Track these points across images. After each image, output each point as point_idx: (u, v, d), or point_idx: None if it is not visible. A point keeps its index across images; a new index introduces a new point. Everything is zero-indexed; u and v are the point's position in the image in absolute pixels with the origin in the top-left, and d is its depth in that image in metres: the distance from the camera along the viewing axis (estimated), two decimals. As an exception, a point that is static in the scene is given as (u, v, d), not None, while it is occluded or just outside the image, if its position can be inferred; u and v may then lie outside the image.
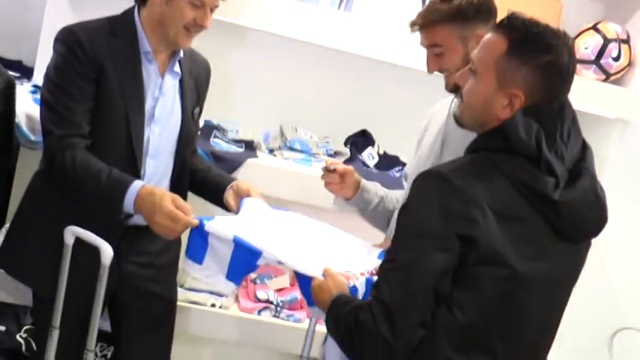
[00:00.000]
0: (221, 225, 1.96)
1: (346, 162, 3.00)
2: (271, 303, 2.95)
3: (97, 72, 2.14)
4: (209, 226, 1.94)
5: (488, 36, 1.67)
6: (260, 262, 1.92)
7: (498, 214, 1.54)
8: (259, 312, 2.94)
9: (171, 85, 2.26)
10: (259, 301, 2.95)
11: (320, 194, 2.83)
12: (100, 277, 2.08)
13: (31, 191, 2.32)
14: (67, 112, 2.12)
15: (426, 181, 1.60)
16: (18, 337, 2.77)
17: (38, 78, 2.87)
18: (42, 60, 2.87)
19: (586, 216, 1.64)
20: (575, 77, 2.95)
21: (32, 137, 2.61)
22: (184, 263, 1.98)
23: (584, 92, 3.00)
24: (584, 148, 1.69)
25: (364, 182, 2.30)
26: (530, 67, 1.60)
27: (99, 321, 2.17)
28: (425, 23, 2.08)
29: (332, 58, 2.99)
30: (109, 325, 2.46)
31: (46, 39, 2.84)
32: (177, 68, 2.27)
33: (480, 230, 1.52)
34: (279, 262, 1.92)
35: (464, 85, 1.70)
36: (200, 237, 1.95)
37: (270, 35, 2.84)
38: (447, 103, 2.23)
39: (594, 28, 3.06)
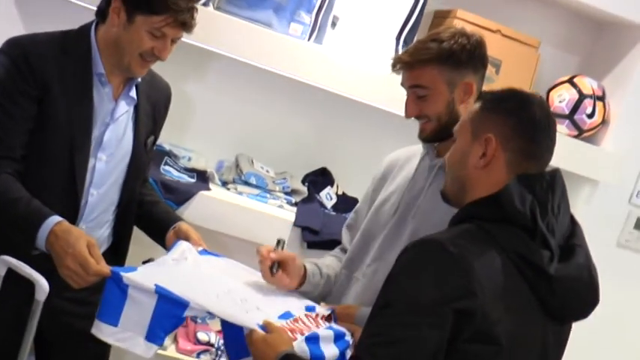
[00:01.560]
0: (142, 276, 1.75)
1: (303, 201, 2.85)
2: (212, 346, 2.76)
3: (41, 91, 1.96)
4: (127, 277, 1.72)
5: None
6: (187, 313, 1.73)
7: (494, 287, 1.48)
8: (198, 355, 2.75)
9: (124, 110, 2.09)
10: (199, 342, 2.76)
11: (273, 233, 2.68)
12: (33, 314, 1.87)
13: None
14: (1, 131, 1.94)
15: (421, 249, 1.51)
16: None
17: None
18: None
19: (579, 295, 1.58)
20: (548, 131, 2.92)
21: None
22: (93, 328, 1.73)
23: (556, 147, 2.90)
24: (574, 223, 1.65)
25: (309, 269, 2.08)
26: (500, 114, 1.62)
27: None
28: (412, 62, 1.94)
29: (297, 90, 2.84)
30: (34, 361, 2.25)
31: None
32: (132, 93, 2.10)
33: (477, 303, 1.44)
34: (209, 313, 1.74)
35: (447, 158, 1.71)
36: (117, 289, 1.72)
37: (233, 61, 2.67)
38: (414, 154, 2.10)
39: (570, 81, 2.98)
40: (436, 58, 1.92)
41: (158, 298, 1.71)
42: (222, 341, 2.75)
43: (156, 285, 1.71)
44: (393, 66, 2.00)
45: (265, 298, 1.92)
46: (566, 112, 2.95)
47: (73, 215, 2.02)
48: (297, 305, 1.92)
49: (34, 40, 2.02)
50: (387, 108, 2.71)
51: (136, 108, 2.12)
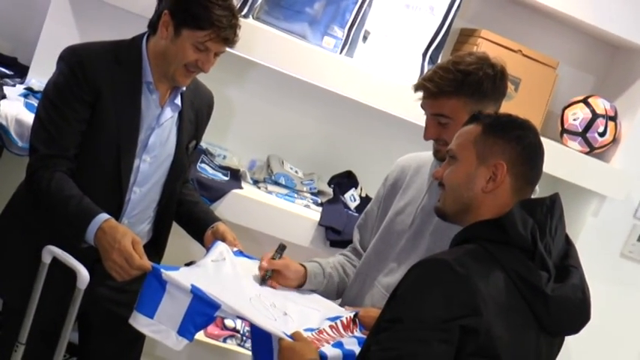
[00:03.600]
0: (180, 275, 1.90)
1: (328, 202, 3.04)
2: (238, 332, 2.96)
3: (94, 96, 2.13)
4: (166, 274, 1.87)
5: (462, 129, 1.78)
6: (218, 314, 1.88)
7: (498, 306, 1.56)
8: (225, 339, 2.95)
9: (169, 116, 2.26)
10: (226, 328, 2.96)
11: (299, 231, 2.89)
12: (74, 301, 2.06)
13: (14, 201, 2.31)
14: (56, 132, 2.12)
15: (429, 268, 1.59)
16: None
17: (32, 79, 2.85)
18: (38, 61, 2.86)
19: (572, 313, 1.67)
20: (560, 147, 3.09)
21: (20, 143, 2.59)
22: (131, 318, 1.89)
23: (567, 162, 3.09)
24: (568, 244, 1.73)
25: (310, 269, 2.19)
26: (506, 140, 1.70)
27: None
28: (437, 92, 2.00)
29: (327, 98, 3.01)
30: (76, 337, 2.45)
31: (45, 40, 2.84)
32: (177, 101, 2.27)
33: (482, 322, 1.53)
34: (239, 317, 1.90)
35: (441, 177, 1.77)
36: (157, 284, 1.87)
37: (269, 69, 2.86)
38: (425, 162, 2.20)
39: (584, 101, 3.13)
40: (462, 91, 1.97)
41: (193, 297, 1.85)
42: (247, 328, 2.95)
43: (192, 285, 1.86)
44: (416, 90, 2.05)
45: (293, 304, 2.06)
46: (579, 129, 3.11)
47: (116, 210, 2.19)
48: (322, 315, 2.04)
49: (89, 49, 2.19)
50: (409, 118, 2.87)
51: (180, 114, 2.28)
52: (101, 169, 2.18)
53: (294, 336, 1.83)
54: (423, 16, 2.88)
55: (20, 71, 2.93)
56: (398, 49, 2.92)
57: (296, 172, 3.09)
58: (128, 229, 2.03)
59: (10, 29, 3.06)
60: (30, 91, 2.77)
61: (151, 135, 2.22)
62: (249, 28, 2.72)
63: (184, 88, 2.27)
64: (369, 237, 2.29)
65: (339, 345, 1.87)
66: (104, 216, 2.03)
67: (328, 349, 1.83)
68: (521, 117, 1.78)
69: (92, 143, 2.16)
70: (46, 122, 2.13)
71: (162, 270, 1.88)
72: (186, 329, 1.87)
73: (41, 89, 2.77)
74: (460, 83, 1.97)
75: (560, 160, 3.07)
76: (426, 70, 2.89)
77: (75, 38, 2.77)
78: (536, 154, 1.72)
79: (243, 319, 1.91)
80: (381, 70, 2.88)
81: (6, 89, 2.72)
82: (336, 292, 2.29)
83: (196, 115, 2.35)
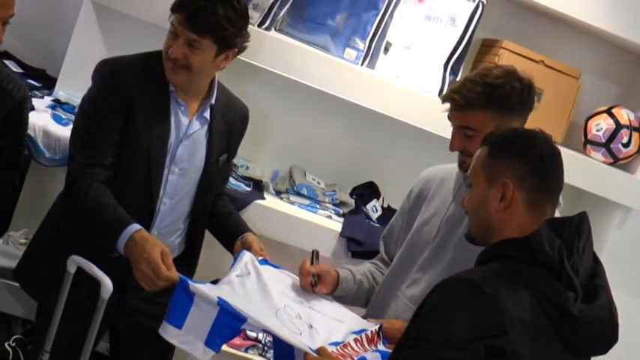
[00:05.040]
0: (208, 288, 1.94)
1: (350, 213, 3.05)
2: (259, 342, 2.99)
3: (125, 106, 2.19)
4: (193, 286, 1.92)
5: (475, 153, 1.80)
6: (244, 327, 1.92)
7: (524, 326, 1.55)
8: (246, 349, 2.97)
9: (197, 129, 2.28)
10: (248, 338, 2.99)
11: (320, 242, 2.90)
12: (98, 310, 2.08)
13: (54, 210, 2.38)
14: (93, 141, 2.18)
15: (456, 288, 1.60)
16: (6, 345, 2.79)
17: (59, 91, 2.91)
18: (65, 74, 2.92)
19: (599, 334, 1.66)
20: (584, 158, 3.07)
21: (47, 154, 2.64)
22: (160, 329, 1.93)
23: (591, 173, 3.07)
24: (596, 262, 1.72)
25: (342, 275, 2.23)
26: (510, 157, 1.71)
27: (99, 343, 2.22)
28: (464, 105, 2.02)
29: (349, 110, 3.03)
30: (107, 347, 2.50)
31: (72, 53, 2.90)
32: (206, 114, 2.29)
33: (509, 342, 1.53)
34: (265, 331, 1.93)
35: (466, 204, 1.80)
36: (185, 296, 1.92)
37: (292, 81, 2.89)
38: (449, 174, 2.21)
39: (608, 112, 3.12)
40: (489, 104, 1.99)
41: (219, 310, 1.89)
42: (268, 338, 2.97)
43: (218, 297, 1.90)
44: (443, 101, 2.07)
45: (319, 315, 2.07)
46: (603, 140, 3.09)
47: (147, 220, 2.23)
48: (347, 327, 2.05)
49: (121, 61, 2.25)
50: (431, 129, 2.88)
51: (210, 128, 2.30)
52: (133, 179, 2.23)
53: (319, 351, 1.85)
54: (444, 28, 2.90)
55: (48, 83, 2.99)
56: (419, 60, 2.94)
57: (318, 182, 3.11)
58: (158, 241, 2.06)
59: (39, 42, 3.12)
60: (57, 103, 2.83)
61: (179, 146, 2.25)
62: (272, 40, 2.76)
63: (213, 101, 2.29)
64: (394, 248, 2.31)
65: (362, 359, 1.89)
66: (136, 226, 2.07)
67: (369, 355, 1.87)
68: (533, 128, 1.79)
69: (125, 152, 2.21)
70: (82, 132, 2.20)
71: (189, 282, 1.92)
72: (213, 341, 1.91)
73: (68, 101, 2.85)
74: (487, 96, 1.99)
75: (584, 171, 3.05)
76: (447, 81, 2.91)
77: (101, 50, 2.83)
78: (546, 164, 1.71)
79: (268, 332, 1.93)
80: (403, 82, 2.90)
81: (34, 101, 2.78)
82: (365, 299, 2.31)
83: (228, 129, 2.37)
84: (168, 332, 1.92)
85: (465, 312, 1.54)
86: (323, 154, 3.22)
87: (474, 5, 2.89)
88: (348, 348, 1.95)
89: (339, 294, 2.23)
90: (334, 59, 2.85)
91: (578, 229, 1.67)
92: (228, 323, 1.90)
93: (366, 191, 3.16)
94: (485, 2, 2.91)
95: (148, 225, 2.22)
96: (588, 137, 3.14)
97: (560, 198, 2.10)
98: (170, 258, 2.02)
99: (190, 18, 2.12)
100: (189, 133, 2.27)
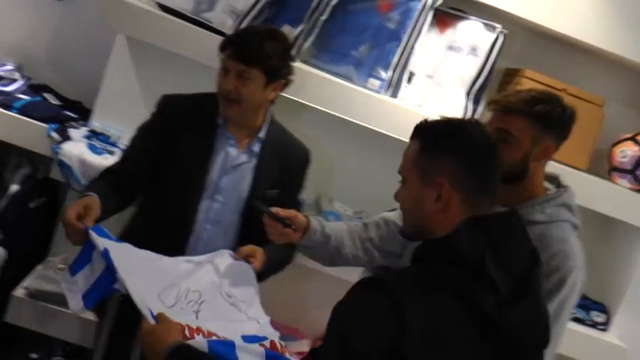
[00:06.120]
0: (105, 242, 1.96)
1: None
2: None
3: (166, 132, 2.34)
4: (91, 234, 1.96)
5: (407, 147, 1.70)
6: (115, 286, 1.90)
7: (433, 332, 1.46)
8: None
9: (244, 161, 2.39)
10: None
11: (348, 269, 2.94)
12: (111, 305, 2.22)
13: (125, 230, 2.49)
14: (125, 153, 2.42)
15: (366, 289, 1.51)
16: (48, 366, 2.89)
17: (94, 122, 3.03)
18: (100, 105, 3.03)
19: (525, 338, 1.56)
20: (609, 184, 3.08)
21: (83, 181, 2.75)
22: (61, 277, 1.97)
23: (617, 200, 3.07)
24: (533, 262, 1.60)
25: (312, 224, 2.18)
26: (444, 154, 1.59)
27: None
28: (510, 108, 2.04)
29: (374, 137, 3.08)
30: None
31: (107, 85, 3.01)
32: (256, 148, 2.39)
33: (406, 346, 1.43)
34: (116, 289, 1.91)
35: (399, 200, 1.69)
36: (88, 247, 1.97)
37: (318, 111, 2.96)
38: None
39: (633, 139, 3.13)
40: (531, 113, 2.01)
41: (105, 264, 1.91)
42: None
43: (105, 248, 1.93)
44: (489, 104, 2.13)
45: (217, 312, 2.01)
46: (628, 167, 3.09)
47: (183, 242, 2.35)
48: (238, 327, 1.98)
49: (176, 97, 2.43)
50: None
51: (258, 161, 2.39)
52: (173, 204, 2.37)
53: (158, 317, 1.76)
54: (466, 57, 2.96)
55: (84, 114, 3.12)
56: (442, 89, 2.99)
57: (345, 210, 3.16)
58: (88, 200, 2.09)
59: (76, 76, 3.27)
60: (93, 133, 2.95)
61: (224, 177, 2.36)
62: (298, 70, 2.83)
63: (262, 135, 2.39)
64: (393, 245, 2.28)
65: (225, 344, 1.78)
66: (89, 194, 2.14)
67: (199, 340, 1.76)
68: (470, 119, 1.72)
69: (166, 178, 2.36)
70: (125, 150, 2.45)
71: (89, 230, 1.97)
72: (91, 295, 1.94)
73: (103, 131, 2.97)
74: (532, 105, 2.03)
75: (610, 197, 3.06)
76: (470, 109, 2.95)
77: (134, 83, 2.96)
78: (483, 160, 1.61)
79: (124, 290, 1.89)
80: (426, 110, 2.96)
81: (71, 131, 2.91)
82: (329, 259, 2.26)
83: (283, 166, 2.45)
84: (63, 278, 2.00)
85: (364, 316, 1.46)
86: (350, 182, 3.27)
87: (494, 35, 2.94)
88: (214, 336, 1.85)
89: (306, 244, 2.19)
90: (359, 89, 2.92)
91: (507, 225, 1.58)
92: (105, 279, 1.91)
93: (392, 218, 3.20)
94: (506, 32, 2.96)
95: (184, 246, 2.34)
96: (613, 164, 3.14)
97: (579, 220, 2.12)
98: (92, 210, 2.05)
99: (239, 51, 2.27)
100: (234, 164, 2.37)
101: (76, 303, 1.95)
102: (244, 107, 2.32)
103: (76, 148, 2.80)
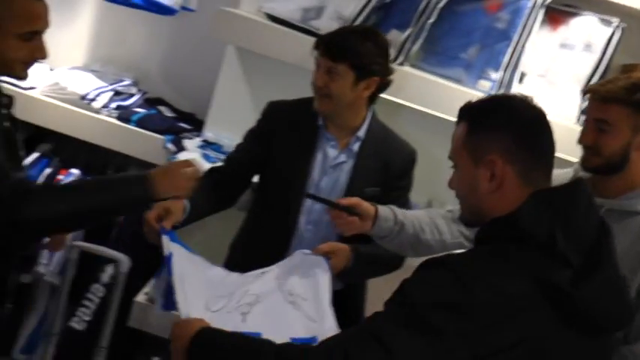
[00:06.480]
0: (173, 245, 1.99)
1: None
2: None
3: (273, 139, 2.41)
4: (164, 238, 1.98)
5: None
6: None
7: (502, 309, 1.43)
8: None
9: (343, 161, 2.41)
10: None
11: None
12: (117, 285, 2.38)
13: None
14: (229, 157, 2.53)
15: (432, 269, 1.49)
16: (166, 365, 2.98)
17: (207, 133, 3.11)
18: (213, 117, 3.12)
19: (606, 311, 1.50)
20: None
21: (198, 190, 2.83)
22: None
23: None
24: (605, 231, 1.54)
25: (381, 211, 2.13)
26: (492, 131, 1.55)
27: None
28: (606, 96, 1.98)
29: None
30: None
31: (219, 96, 3.10)
32: (355, 147, 2.41)
33: (474, 327, 1.41)
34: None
35: (454, 187, 1.64)
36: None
37: (424, 114, 2.94)
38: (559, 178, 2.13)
39: None
40: (630, 101, 1.95)
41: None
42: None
43: (170, 253, 1.94)
44: (585, 93, 2.09)
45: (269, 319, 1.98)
46: None
47: (285, 242, 2.40)
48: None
49: (280, 102, 2.50)
50: (569, 156, 2.82)
51: (358, 161, 2.41)
52: (275, 205, 2.43)
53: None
54: (580, 54, 2.87)
55: (197, 126, 3.21)
56: (555, 88, 2.91)
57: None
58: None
59: (188, 88, 3.38)
60: (206, 143, 3.03)
61: (324, 177, 2.41)
62: (406, 74, 2.84)
63: (362, 134, 2.41)
64: None
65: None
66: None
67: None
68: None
69: (269, 182, 2.44)
70: (230, 153, 2.57)
71: (162, 234, 2.00)
72: (168, 298, 1.96)
73: (216, 141, 3.05)
74: (632, 93, 1.95)
75: None
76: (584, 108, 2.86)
77: (245, 93, 3.03)
78: (533, 131, 1.56)
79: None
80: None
81: (186, 142, 3.00)
82: (411, 247, 2.20)
83: (385, 165, 2.44)
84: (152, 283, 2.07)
85: (431, 295, 1.43)
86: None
87: (611, 30, 2.85)
88: None
89: (377, 233, 2.15)
90: (469, 91, 2.87)
91: (572, 197, 1.52)
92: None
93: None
94: (624, 26, 2.86)
95: (287, 247, 2.39)
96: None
97: None
98: (172, 215, 2.07)
99: (327, 47, 2.32)
100: (333, 164, 2.41)
101: (156, 305, 2.05)
102: (335, 103, 2.34)
103: (191, 157, 2.88)
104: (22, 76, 1.96)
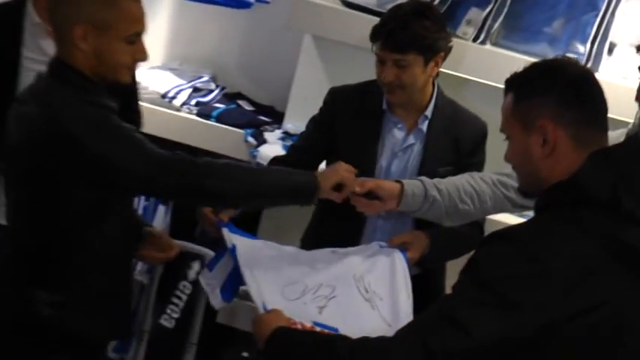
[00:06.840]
0: (237, 238, 1.99)
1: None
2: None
3: (336, 125, 2.38)
4: (224, 230, 2.01)
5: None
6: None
7: (574, 279, 1.41)
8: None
9: (413, 142, 2.34)
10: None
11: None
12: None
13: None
14: (294, 145, 2.56)
15: (499, 244, 1.48)
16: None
17: (287, 124, 3.10)
18: (292, 108, 3.10)
19: None
20: None
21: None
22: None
23: None
24: None
25: (407, 188, 2.11)
26: (539, 96, 1.52)
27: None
28: None
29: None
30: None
31: (297, 87, 3.08)
32: (423, 126, 2.34)
33: (559, 298, 1.40)
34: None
35: (509, 160, 1.62)
36: (222, 243, 2.02)
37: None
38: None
39: None
40: None
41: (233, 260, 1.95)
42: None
43: (232, 245, 1.96)
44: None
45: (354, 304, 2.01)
46: None
47: (357, 234, 2.34)
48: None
49: (342, 88, 2.45)
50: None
51: (428, 140, 2.34)
52: None
53: (270, 310, 1.82)
54: (675, 20, 2.73)
55: (277, 118, 3.21)
56: (648, 57, 2.77)
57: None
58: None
59: (266, 81, 3.38)
60: (287, 135, 3.02)
61: (394, 161, 2.34)
62: (488, 53, 2.76)
63: (429, 114, 2.34)
64: None
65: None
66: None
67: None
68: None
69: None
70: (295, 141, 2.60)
71: (222, 227, 2.02)
72: (228, 289, 2.00)
73: (297, 132, 3.02)
74: None
75: None
76: (682, 76, 2.72)
77: (323, 81, 2.99)
78: (578, 90, 1.51)
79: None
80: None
81: (266, 134, 3.00)
82: (447, 214, 2.16)
83: (455, 141, 2.37)
84: (202, 274, 2.10)
85: (507, 269, 1.42)
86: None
87: None
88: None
89: (407, 209, 2.13)
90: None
91: (634, 154, 1.48)
92: (238, 274, 1.94)
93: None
94: None
95: (360, 235, 2.34)
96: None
97: None
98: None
99: (388, 40, 2.21)
100: (403, 147, 2.34)
101: (214, 298, 2.03)
102: (409, 92, 2.27)
103: (273, 150, 2.88)
104: (126, 80, 1.93)
